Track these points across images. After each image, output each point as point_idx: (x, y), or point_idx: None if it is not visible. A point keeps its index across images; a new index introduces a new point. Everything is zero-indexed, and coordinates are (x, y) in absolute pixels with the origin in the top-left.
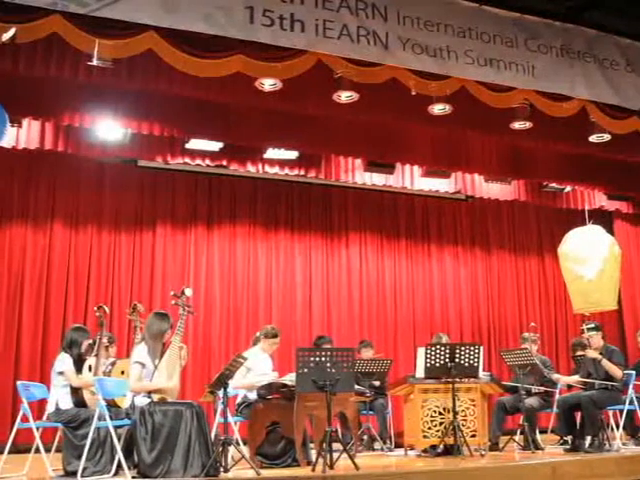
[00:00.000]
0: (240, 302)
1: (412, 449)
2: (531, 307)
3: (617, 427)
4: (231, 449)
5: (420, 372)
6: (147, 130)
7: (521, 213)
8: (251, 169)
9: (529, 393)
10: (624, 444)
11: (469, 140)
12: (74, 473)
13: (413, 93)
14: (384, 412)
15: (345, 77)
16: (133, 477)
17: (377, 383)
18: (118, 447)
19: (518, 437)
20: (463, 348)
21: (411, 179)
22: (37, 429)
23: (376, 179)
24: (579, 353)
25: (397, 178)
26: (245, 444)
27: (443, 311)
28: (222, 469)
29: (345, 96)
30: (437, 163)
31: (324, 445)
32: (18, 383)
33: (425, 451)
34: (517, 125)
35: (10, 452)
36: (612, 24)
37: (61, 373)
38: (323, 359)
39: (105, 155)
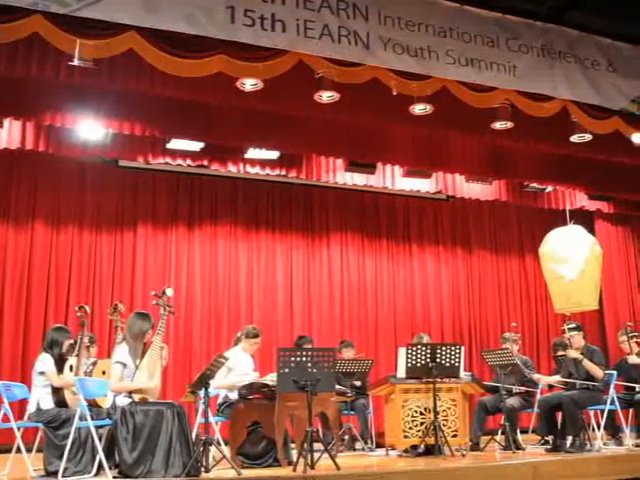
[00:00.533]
0: (221, 302)
1: (393, 449)
2: (512, 307)
3: (598, 427)
4: (212, 449)
5: (401, 372)
6: (128, 130)
7: (502, 213)
8: (232, 169)
9: (510, 393)
10: (605, 444)
11: (450, 140)
12: (55, 473)
13: (394, 93)
14: (365, 412)
15: (326, 77)
16: (114, 477)
17: (358, 383)
18: (99, 447)
19: (499, 437)
20: (444, 348)
21: (392, 179)
22: (18, 429)
23: (357, 179)
24: (560, 353)
25: (378, 178)
26: (226, 444)
27: (424, 311)
28: (203, 469)
29: (326, 96)
30: (418, 163)
31: (305, 445)
32: None
33: (406, 451)
34: (498, 125)
35: None
36: (593, 24)
37: (42, 373)
38: (304, 359)
39: (86, 155)
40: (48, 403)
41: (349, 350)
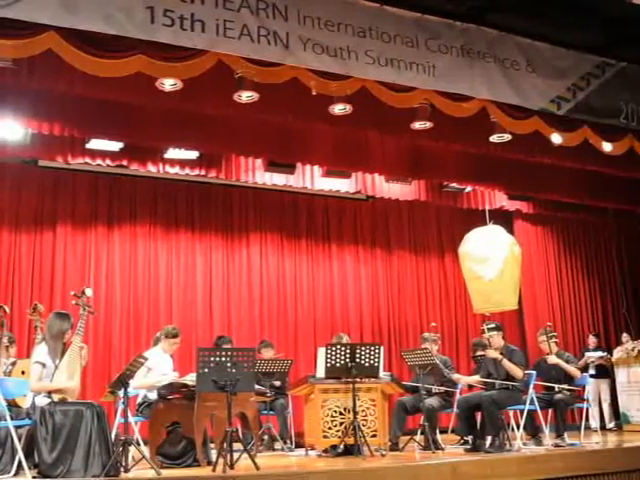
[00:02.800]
0: (141, 302)
1: (313, 449)
2: (431, 307)
3: (517, 427)
4: (131, 449)
5: (320, 372)
6: (47, 130)
7: (421, 213)
8: (151, 169)
9: (429, 393)
10: (524, 444)
11: (370, 140)
12: None
13: (314, 93)
14: (285, 412)
15: (246, 77)
16: (33, 477)
17: (278, 383)
18: (19, 447)
19: (418, 437)
20: (363, 348)
21: (311, 179)
22: None
23: (276, 179)
24: (479, 353)
25: (297, 178)
26: (145, 444)
27: (343, 311)
28: (122, 469)
29: (246, 96)
30: (338, 163)
31: (224, 445)
32: None
33: (326, 451)
34: (418, 125)
35: None
36: (513, 25)
37: None
38: (223, 359)
39: (5, 155)
40: None
41: (268, 350)
